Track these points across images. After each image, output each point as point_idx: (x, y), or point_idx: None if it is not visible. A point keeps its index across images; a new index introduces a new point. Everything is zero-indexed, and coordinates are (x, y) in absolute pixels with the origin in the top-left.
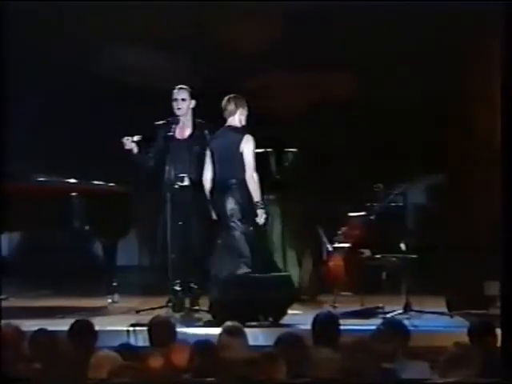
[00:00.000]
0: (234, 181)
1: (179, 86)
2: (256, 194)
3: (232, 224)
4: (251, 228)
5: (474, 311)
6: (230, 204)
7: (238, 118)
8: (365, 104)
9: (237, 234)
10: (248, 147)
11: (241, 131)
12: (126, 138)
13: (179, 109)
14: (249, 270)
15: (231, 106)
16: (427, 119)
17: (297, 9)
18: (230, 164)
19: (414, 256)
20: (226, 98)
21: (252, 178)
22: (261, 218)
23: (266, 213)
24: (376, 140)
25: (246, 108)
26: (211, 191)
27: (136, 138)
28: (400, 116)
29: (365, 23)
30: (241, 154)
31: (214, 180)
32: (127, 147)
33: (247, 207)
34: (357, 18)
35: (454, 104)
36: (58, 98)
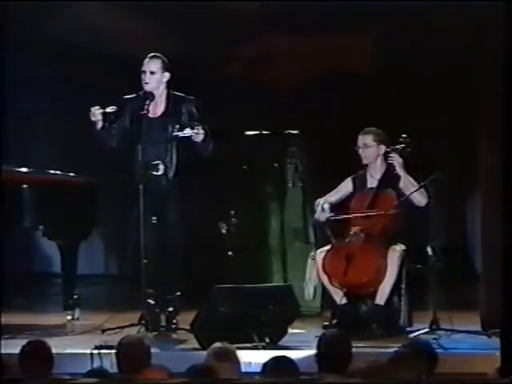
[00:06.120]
0: None
1: (151, 55)
2: None
3: None
4: None
5: None
6: None
7: None
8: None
9: None
10: None
11: None
12: (97, 107)
13: (146, 83)
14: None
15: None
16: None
17: None
18: None
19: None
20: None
21: None
22: None
23: None
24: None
25: None
26: None
27: (109, 109)
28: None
29: None
30: None
31: None
32: (93, 118)
33: None
34: None
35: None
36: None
